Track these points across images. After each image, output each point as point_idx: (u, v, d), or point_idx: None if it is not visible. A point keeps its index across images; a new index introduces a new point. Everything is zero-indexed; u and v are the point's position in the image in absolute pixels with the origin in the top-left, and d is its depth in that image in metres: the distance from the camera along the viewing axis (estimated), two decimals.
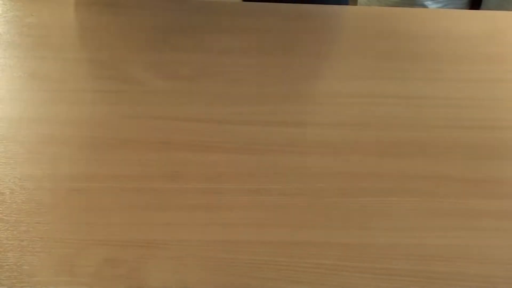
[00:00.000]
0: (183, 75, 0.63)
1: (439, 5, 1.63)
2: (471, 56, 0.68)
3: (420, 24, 0.74)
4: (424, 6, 1.61)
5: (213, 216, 0.48)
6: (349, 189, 0.51)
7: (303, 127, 0.57)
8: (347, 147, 0.55)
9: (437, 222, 0.48)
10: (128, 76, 0.62)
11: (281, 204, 0.49)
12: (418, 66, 0.67)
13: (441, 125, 0.58)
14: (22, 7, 0.72)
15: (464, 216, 0.49)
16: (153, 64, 0.64)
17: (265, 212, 0.48)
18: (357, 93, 0.62)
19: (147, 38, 0.69)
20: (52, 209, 0.48)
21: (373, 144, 0.55)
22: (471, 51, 0.69)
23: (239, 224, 0.47)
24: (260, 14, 0.73)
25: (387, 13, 0.75)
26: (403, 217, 0.49)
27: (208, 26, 0.71)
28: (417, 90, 0.63)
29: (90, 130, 0.55)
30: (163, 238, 0.46)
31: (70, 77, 0.61)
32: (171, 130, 0.56)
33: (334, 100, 0.61)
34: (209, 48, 0.67)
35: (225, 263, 0.44)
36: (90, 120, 0.56)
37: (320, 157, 0.54)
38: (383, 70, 0.65)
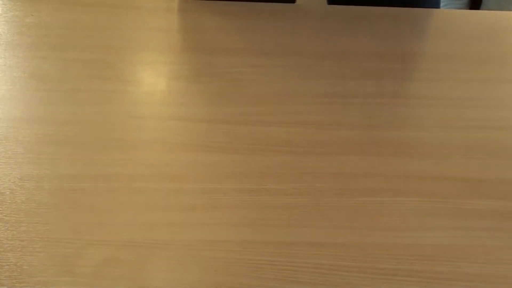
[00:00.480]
0: (183, 75, 0.63)
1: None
2: (471, 56, 0.68)
3: (420, 24, 0.74)
4: None
5: (213, 216, 0.48)
6: (349, 189, 0.51)
7: (303, 127, 0.57)
8: (347, 147, 0.55)
9: (437, 222, 0.48)
10: (128, 76, 0.62)
11: (281, 204, 0.49)
12: (418, 66, 0.67)
13: (441, 125, 0.58)
14: (22, 7, 0.72)
15: (464, 216, 0.49)
16: (153, 64, 0.64)
17: (264, 212, 0.48)
18: (357, 93, 0.62)
19: (147, 38, 0.69)
20: (52, 209, 0.48)
21: (373, 144, 0.55)
22: (471, 51, 0.69)
23: (239, 224, 0.47)
24: (258, 15, 0.73)
25: (387, 13, 0.75)
26: (403, 217, 0.49)
27: (208, 26, 0.71)
28: (417, 90, 0.63)
29: (90, 130, 0.55)
30: (163, 238, 0.46)
31: (70, 77, 0.61)
32: (171, 130, 0.56)
33: (334, 100, 0.61)
34: (209, 48, 0.67)
35: (225, 263, 0.44)
36: (90, 120, 0.56)
37: (320, 157, 0.54)
38: (383, 70, 0.65)
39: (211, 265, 0.44)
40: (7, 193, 0.49)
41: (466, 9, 1.68)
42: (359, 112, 0.59)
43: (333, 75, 0.64)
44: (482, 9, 1.65)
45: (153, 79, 0.62)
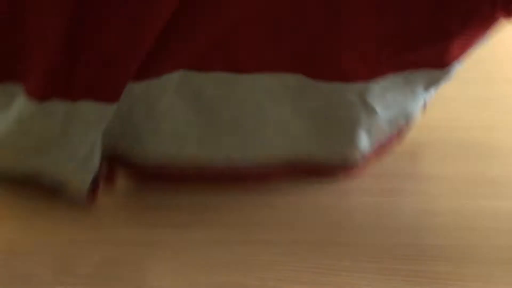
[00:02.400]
0: None
1: None
2: (471, 56, 0.68)
3: None
4: None
5: (212, 216, 0.48)
6: (349, 189, 0.51)
7: None
8: None
9: (437, 222, 0.48)
10: None
11: (281, 204, 0.49)
12: None
13: (441, 125, 0.58)
14: None
15: (464, 216, 0.49)
16: None
17: (265, 212, 0.48)
18: None
19: None
20: (52, 209, 0.48)
21: None
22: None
23: (239, 224, 0.47)
24: None
25: None
26: (403, 217, 0.49)
27: None
28: None
29: None
30: (163, 238, 0.46)
31: None
32: None
33: None
34: None
35: (225, 263, 0.44)
36: None
37: None
38: None
39: (211, 265, 0.44)
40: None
41: None
42: None
43: None
44: None
45: None
